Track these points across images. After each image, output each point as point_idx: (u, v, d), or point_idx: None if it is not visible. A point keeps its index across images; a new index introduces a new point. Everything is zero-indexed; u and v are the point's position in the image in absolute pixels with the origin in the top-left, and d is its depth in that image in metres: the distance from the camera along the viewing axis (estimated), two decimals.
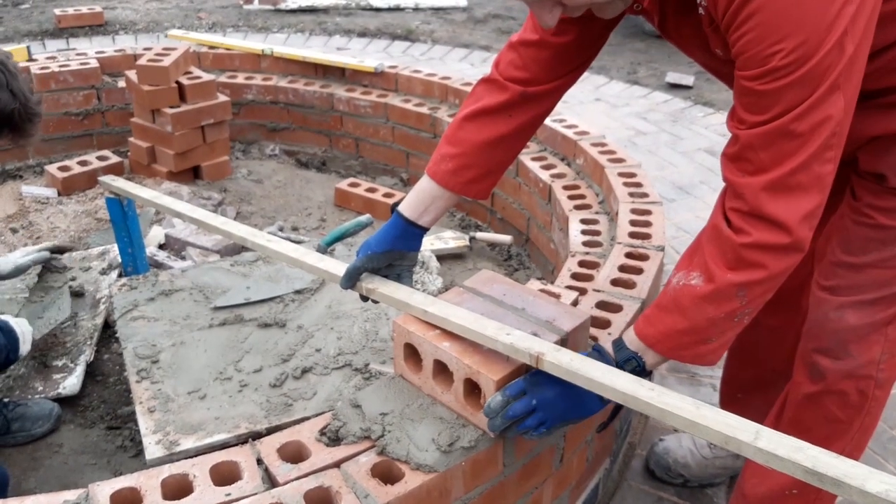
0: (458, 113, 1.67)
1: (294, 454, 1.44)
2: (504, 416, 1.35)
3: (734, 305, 1.29)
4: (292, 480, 1.35)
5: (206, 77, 3.63)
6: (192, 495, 1.32)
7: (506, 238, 3.19)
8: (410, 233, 1.66)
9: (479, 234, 3.24)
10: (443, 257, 3.12)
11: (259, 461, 1.41)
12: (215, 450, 1.56)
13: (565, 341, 1.51)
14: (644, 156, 4.20)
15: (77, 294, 2.62)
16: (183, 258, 3.03)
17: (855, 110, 1.24)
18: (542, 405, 1.36)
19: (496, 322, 1.47)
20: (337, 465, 1.39)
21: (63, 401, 2.23)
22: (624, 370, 1.36)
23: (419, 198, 1.65)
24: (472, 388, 1.44)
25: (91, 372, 2.36)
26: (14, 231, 3.16)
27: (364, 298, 1.70)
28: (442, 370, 1.49)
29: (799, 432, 1.59)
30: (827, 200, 1.28)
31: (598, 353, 1.42)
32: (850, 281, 1.53)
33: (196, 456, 1.48)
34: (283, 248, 1.94)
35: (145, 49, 3.95)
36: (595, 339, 1.74)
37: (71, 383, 2.25)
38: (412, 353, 1.54)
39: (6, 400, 2.12)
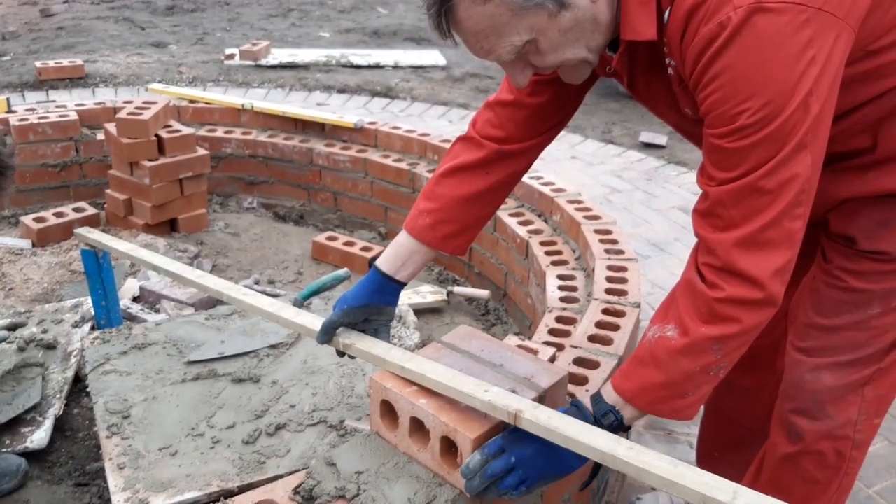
0: (437, 169, 1.69)
1: None
2: (483, 476, 1.34)
3: (710, 359, 1.31)
4: None
5: (186, 130, 3.65)
6: None
7: (483, 293, 3.20)
8: (388, 287, 1.66)
9: (456, 289, 3.24)
10: (420, 311, 3.12)
11: None
12: None
13: (543, 398, 1.51)
14: (619, 213, 4.26)
15: (48, 347, 2.57)
16: (157, 311, 3.00)
17: (823, 173, 1.26)
18: (522, 463, 1.35)
19: (474, 379, 1.47)
20: None
21: (30, 455, 2.17)
22: (602, 424, 1.37)
23: (397, 252, 1.66)
24: (449, 447, 1.43)
25: (60, 426, 2.31)
26: None
27: (340, 354, 1.69)
28: (418, 428, 1.48)
29: (777, 492, 1.59)
30: (798, 262, 1.30)
31: (576, 409, 1.42)
32: (825, 342, 1.54)
33: None
34: (259, 303, 1.94)
35: (125, 102, 3.97)
36: (573, 395, 1.74)
37: (39, 437, 2.20)
38: (389, 411, 1.53)
39: None
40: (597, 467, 1.53)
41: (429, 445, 1.45)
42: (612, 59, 1.37)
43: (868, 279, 1.47)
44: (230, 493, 1.73)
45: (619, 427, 1.40)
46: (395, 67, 7.29)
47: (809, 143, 1.19)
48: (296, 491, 1.44)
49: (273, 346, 2.31)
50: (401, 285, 1.68)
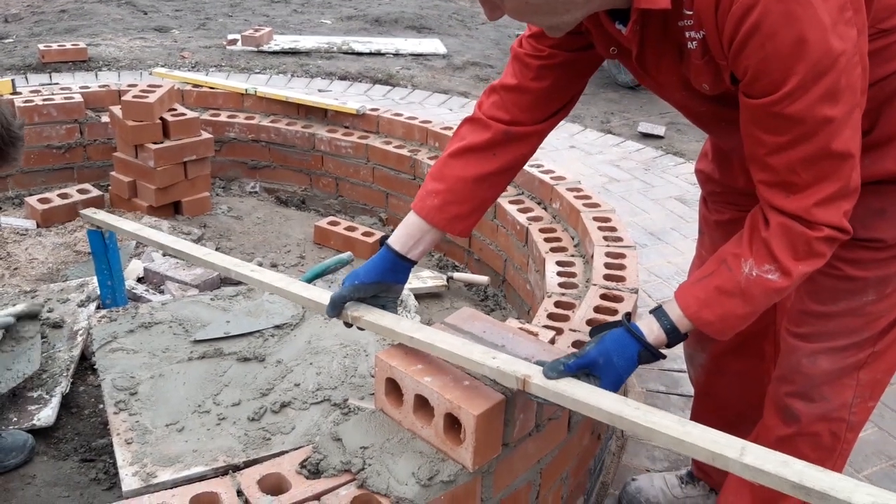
0: (444, 151, 1.71)
1: (274, 486, 1.45)
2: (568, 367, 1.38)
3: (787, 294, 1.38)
4: None
5: (190, 114, 3.68)
6: None
7: (483, 279, 3.24)
8: (399, 266, 1.68)
9: (456, 275, 3.28)
10: (420, 296, 3.16)
11: (239, 493, 1.42)
12: (192, 482, 1.57)
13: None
14: (617, 202, 4.30)
15: (55, 326, 2.61)
16: (161, 292, 3.04)
17: None
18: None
19: (482, 347, 1.51)
20: (317, 497, 1.41)
21: (37, 432, 2.22)
22: (670, 346, 1.43)
23: (408, 232, 1.67)
24: (452, 423, 1.47)
25: (66, 404, 2.35)
26: None
27: (348, 325, 1.71)
28: (423, 405, 1.52)
29: None
30: None
31: (652, 356, 1.43)
32: (822, 329, 1.58)
33: (173, 488, 1.49)
34: (268, 278, 1.97)
35: (129, 85, 3.99)
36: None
37: (46, 415, 2.24)
38: (393, 388, 1.57)
39: None
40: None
41: (433, 422, 1.49)
42: (620, 35, 1.38)
43: (863, 267, 1.51)
44: (236, 468, 1.76)
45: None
46: (396, 55, 7.31)
47: (861, 102, 1.24)
48: (302, 465, 1.48)
49: (278, 327, 2.35)
50: (412, 264, 1.69)
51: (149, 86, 3.73)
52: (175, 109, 3.71)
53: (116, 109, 3.61)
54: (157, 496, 1.40)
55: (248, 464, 1.79)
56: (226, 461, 1.82)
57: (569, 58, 1.56)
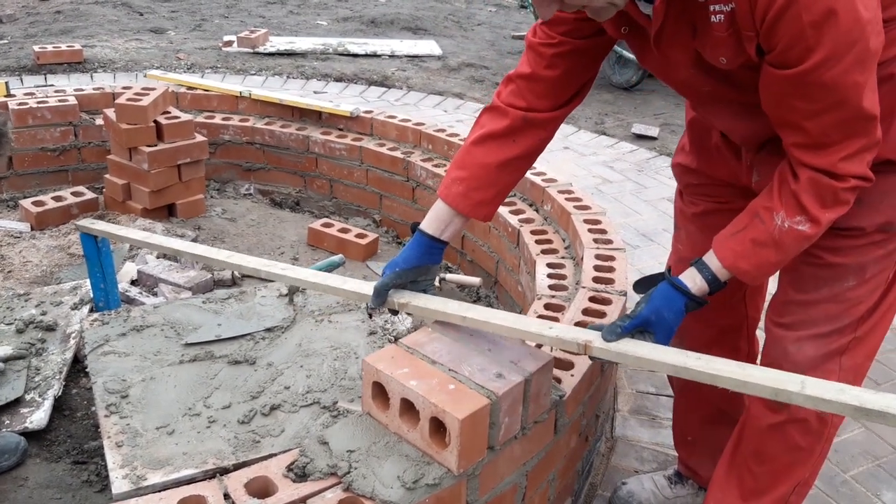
0: (466, 140, 1.77)
1: (261, 489, 1.47)
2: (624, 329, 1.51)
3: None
4: None
5: (185, 117, 3.69)
6: None
7: (475, 280, 3.26)
8: (434, 248, 1.75)
9: (448, 276, 3.30)
10: None
11: (226, 496, 1.43)
12: (182, 485, 1.58)
13: (529, 381, 1.57)
14: (610, 203, 4.32)
15: (48, 329, 2.62)
16: (155, 294, 3.05)
17: None
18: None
19: (538, 320, 1.62)
20: (303, 500, 1.42)
21: (30, 435, 2.23)
22: (711, 294, 1.54)
23: (438, 216, 1.74)
24: (438, 427, 1.49)
25: (59, 406, 2.36)
26: None
27: (394, 313, 1.79)
28: (408, 409, 1.53)
29: (762, 463, 1.68)
30: None
31: (696, 304, 1.53)
32: (804, 316, 1.64)
33: (163, 490, 1.51)
34: (303, 275, 2.02)
35: (124, 88, 4.00)
36: (558, 380, 1.80)
37: (38, 417, 2.25)
38: (380, 392, 1.58)
39: None
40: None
41: (418, 426, 1.51)
42: (640, 14, 1.44)
43: (843, 254, 1.57)
44: (225, 471, 1.78)
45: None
46: (392, 56, 7.32)
47: (875, 69, 1.31)
48: (289, 468, 1.50)
49: (269, 329, 2.37)
50: (444, 244, 1.76)
51: (143, 88, 3.75)
52: (169, 112, 3.72)
53: (110, 112, 3.62)
54: (144, 500, 1.42)
55: (238, 466, 1.80)
56: (215, 464, 1.83)
57: (579, 45, 1.63)
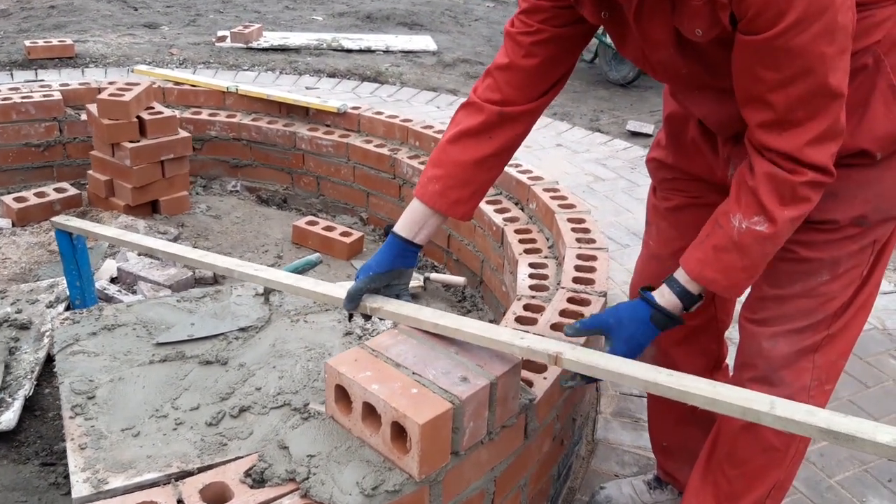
0: (442, 137, 1.75)
1: (217, 495, 1.43)
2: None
3: (784, 239, 1.45)
4: None
5: (168, 112, 3.65)
6: None
7: (459, 280, 3.22)
8: (407, 251, 1.73)
9: (433, 276, 3.26)
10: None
11: (180, 502, 1.40)
12: (144, 489, 1.55)
13: (495, 386, 1.53)
14: (601, 201, 4.27)
15: (22, 327, 2.59)
16: (134, 292, 3.01)
17: None
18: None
19: (509, 329, 1.58)
20: None
21: None
22: (690, 311, 1.54)
23: (412, 217, 1.72)
24: (400, 432, 1.45)
25: (30, 406, 2.33)
26: None
27: (366, 317, 1.78)
28: (371, 413, 1.49)
29: (735, 465, 1.65)
30: None
31: (665, 318, 1.52)
32: (778, 312, 1.62)
33: (124, 494, 1.47)
34: (276, 276, 1.99)
35: (109, 83, 3.96)
36: (530, 383, 1.76)
37: (7, 418, 2.21)
38: (342, 395, 1.54)
39: None
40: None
41: (380, 430, 1.47)
42: None
43: (817, 248, 1.55)
44: (189, 474, 1.74)
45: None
46: (387, 52, 7.27)
47: (848, 47, 1.29)
48: (247, 473, 1.46)
49: (242, 329, 2.33)
50: (418, 248, 1.74)
51: (127, 84, 3.70)
52: (153, 108, 3.67)
53: (93, 107, 3.57)
54: None
55: (202, 469, 1.76)
56: (179, 467, 1.79)
57: (558, 33, 1.61)
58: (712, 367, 2.00)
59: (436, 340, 1.63)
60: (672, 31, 1.43)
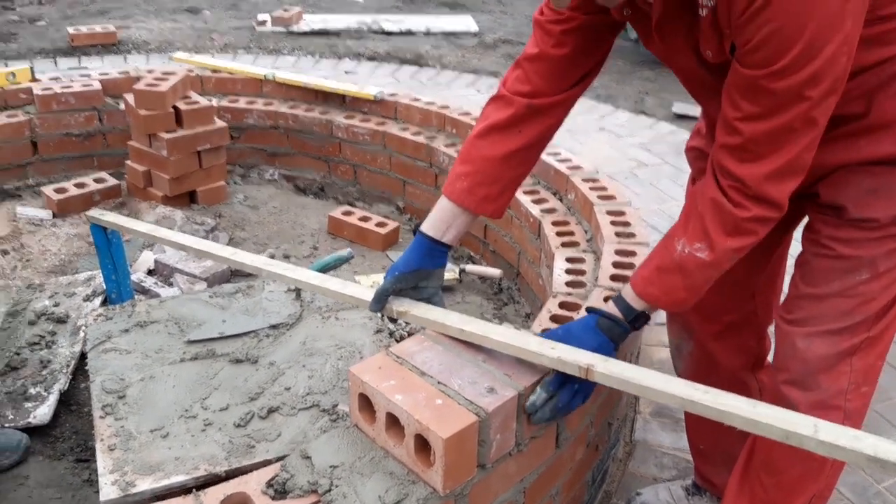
0: (471, 133, 1.70)
1: None
2: (555, 408, 1.47)
3: (727, 266, 1.46)
4: None
5: (204, 102, 3.64)
6: None
7: (495, 272, 3.15)
8: (435, 251, 1.68)
9: (469, 267, 3.20)
10: None
11: None
12: (172, 492, 1.53)
13: (523, 396, 1.48)
14: (645, 188, 4.16)
15: (59, 320, 2.61)
16: (170, 284, 3.02)
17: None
18: (584, 386, 1.48)
19: (538, 338, 1.53)
20: None
21: (34, 430, 2.22)
22: (636, 328, 1.54)
23: (440, 216, 1.68)
24: (423, 444, 1.40)
25: (65, 401, 2.35)
26: (5, 253, 3.17)
27: (393, 320, 1.74)
28: (395, 423, 1.45)
29: (771, 474, 1.58)
30: (767, 236, 1.44)
31: (612, 322, 1.52)
32: (815, 311, 1.55)
33: (152, 499, 1.46)
34: (304, 276, 1.96)
35: (148, 72, 3.96)
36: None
37: (42, 413, 2.23)
38: (367, 404, 1.51)
39: None
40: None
41: (404, 442, 1.43)
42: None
43: (856, 246, 1.50)
44: (217, 478, 1.73)
45: (644, 325, 1.56)
46: (427, 34, 7.19)
47: (838, 88, 1.28)
48: (269, 484, 1.43)
49: (274, 327, 2.30)
50: (447, 248, 1.70)
51: (163, 73, 3.70)
52: (189, 97, 3.67)
53: (130, 97, 3.58)
54: None
55: (230, 473, 1.74)
56: (207, 470, 1.77)
57: (588, 20, 1.56)
58: (753, 365, 1.93)
59: (463, 347, 1.58)
60: (694, 42, 1.41)
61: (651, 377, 1.37)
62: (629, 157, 4.61)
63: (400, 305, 1.66)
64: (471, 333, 1.56)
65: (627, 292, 1.53)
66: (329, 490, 1.40)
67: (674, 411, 2.52)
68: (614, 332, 1.51)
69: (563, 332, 1.53)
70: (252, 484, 1.44)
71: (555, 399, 1.46)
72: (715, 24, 1.32)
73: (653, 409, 2.53)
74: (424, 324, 1.63)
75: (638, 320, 1.52)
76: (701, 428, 1.99)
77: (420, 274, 1.68)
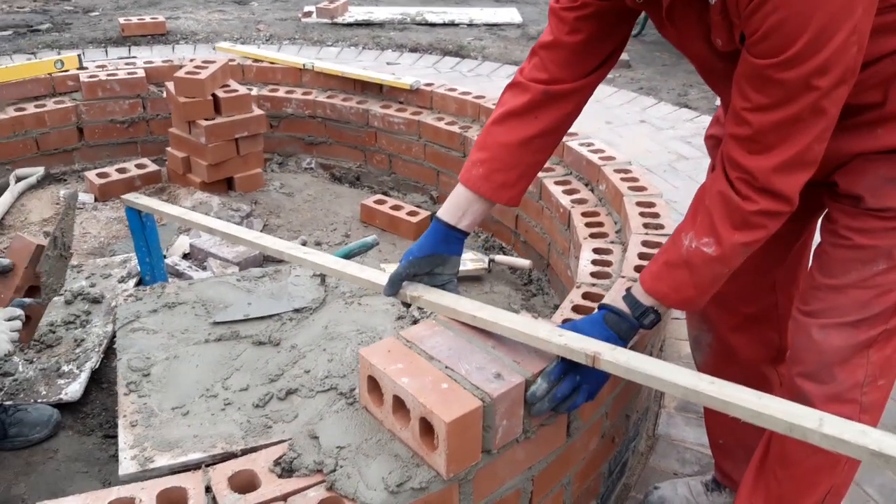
0: (488, 120, 1.70)
1: (245, 484, 1.42)
2: (553, 398, 1.45)
3: (737, 262, 1.43)
4: None
5: (242, 90, 3.69)
6: None
7: (525, 262, 3.14)
8: (451, 237, 1.68)
9: (498, 258, 3.19)
10: (460, 279, 3.08)
11: (208, 489, 1.40)
12: (188, 468, 1.56)
13: (531, 383, 1.47)
14: (683, 182, 4.09)
15: (94, 301, 2.68)
16: (204, 268, 3.08)
17: (834, 130, 1.32)
18: (587, 378, 1.47)
19: (548, 324, 1.53)
20: (284, 498, 1.37)
21: (66, 406, 2.28)
22: (643, 324, 1.50)
23: (456, 202, 1.68)
24: (428, 428, 1.41)
25: (97, 379, 2.41)
26: (46, 234, 3.26)
27: (407, 305, 1.75)
28: (401, 406, 1.46)
29: (784, 466, 1.55)
30: (787, 226, 1.43)
31: (617, 316, 1.50)
32: (831, 303, 1.52)
33: (170, 474, 1.49)
34: (323, 260, 1.98)
35: (190, 60, 4.03)
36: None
37: (73, 389, 2.30)
38: (375, 387, 1.51)
39: (7, 404, 2.18)
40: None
41: (409, 425, 1.43)
42: None
43: (874, 236, 1.47)
44: (232, 456, 1.75)
45: (655, 324, 1.51)
46: (470, 25, 7.17)
47: (848, 79, 1.25)
48: (276, 462, 1.45)
49: (297, 310, 2.33)
50: (463, 234, 1.69)
51: (203, 61, 3.76)
52: (228, 86, 3.72)
53: (171, 85, 3.65)
54: (126, 488, 1.40)
55: (246, 452, 1.77)
56: (224, 448, 1.81)
57: (602, 7, 1.54)
58: (773, 358, 1.89)
59: (473, 333, 1.58)
60: (705, 29, 1.39)
61: (656, 366, 1.35)
62: (669, 150, 4.54)
63: (414, 290, 1.67)
64: (482, 319, 1.55)
65: (636, 288, 1.51)
66: (334, 470, 1.40)
67: (698, 406, 2.48)
68: (621, 328, 1.49)
69: (571, 327, 1.51)
70: (260, 462, 1.46)
71: (555, 390, 1.45)
72: (724, 12, 1.30)
73: (678, 404, 2.49)
74: (437, 309, 1.63)
75: (646, 316, 1.50)
76: (720, 422, 1.96)
77: (434, 259, 1.67)
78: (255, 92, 4.13)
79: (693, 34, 1.43)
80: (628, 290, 1.54)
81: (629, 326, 1.49)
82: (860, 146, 1.44)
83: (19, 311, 1.93)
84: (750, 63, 1.28)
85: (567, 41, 1.57)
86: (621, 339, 1.49)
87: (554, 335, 1.46)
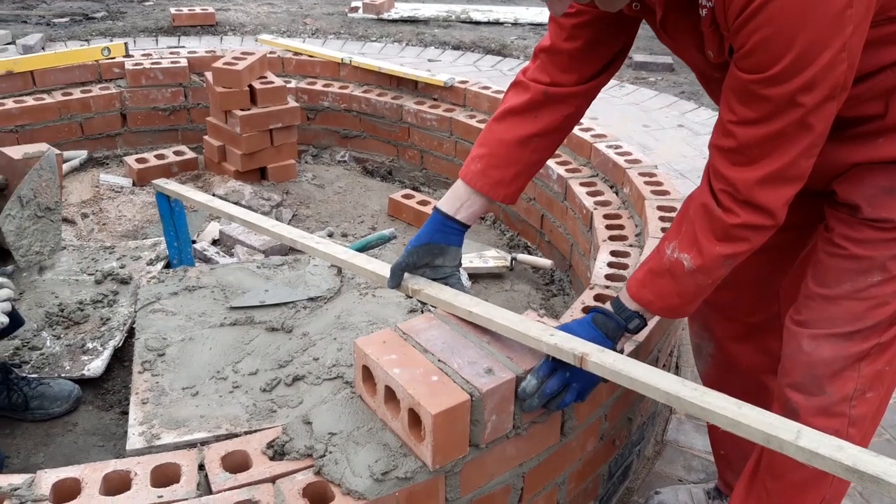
0: (491, 117, 1.71)
1: (239, 464, 1.46)
2: (542, 395, 1.46)
3: (720, 273, 1.43)
4: (225, 490, 1.38)
5: (278, 82, 3.75)
6: (127, 493, 1.37)
7: (546, 262, 3.14)
8: (448, 227, 1.69)
9: (520, 256, 3.20)
10: (481, 276, 3.10)
11: (201, 467, 1.44)
12: (192, 447, 1.61)
13: (522, 379, 1.48)
14: None
15: (123, 281, 2.76)
16: (232, 255, 3.15)
17: (833, 139, 1.32)
18: (577, 376, 1.47)
19: (540, 324, 1.54)
20: (272, 479, 1.41)
21: (88, 382, 2.36)
22: (629, 329, 1.51)
23: (454, 194, 1.70)
24: (417, 419, 1.43)
25: (121, 357, 2.48)
26: (84, 216, 3.37)
27: (409, 297, 1.77)
28: (393, 396, 1.48)
29: (774, 477, 1.54)
30: (792, 233, 1.45)
31: (604, 317, 1.52)
32: (824, 313, 1.50)
33: (174, 450, 1.53)
34: (332, 250, 2.02)
35: (231, 51, 4.12)
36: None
37: (95, 366, 2.37)
38: (369, 376, 1.54)
39: (31, 377, 2.26)
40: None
41: (399, 415, 1.46)
42: None
43: (870, 246, 1.44)
44: (235, 437, 1.80)
45: (640, 328, 1.52)
46: (515, 24, 7.16)
47: (837, 95, 1.24)
48: (269, 445, 1.48)
49: (312, 299, 2.38)
50: (462, 226, 1.70)
51: (242, 53, 3.84)
52: (265, 77, 3.79)
53: (210, 75, 3.73)
54: (123, 462, 1.45)
55: (249, 433, 1.81)
56: (228, 429, 1.86)
57: (598, 14, 1.54)
58: (775, 369, 1.85)
59: (470, 328, 1.60)
60: (699, 38, 1.38)
61: (641, 370, 1.35)
62: (705, 155, 4.43)
63: (415, 283, 1.69)
64: (477, 315, 1.57)
65: (623, 292, 1.53)
66: (323, 455, 1.43)
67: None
68: (608, 328, 1.50)
69: (563, 327, 1.52)
70: (254, 444, 1.50)
71: (544, 386, 1.46)
72: (714, 25, 1.30)
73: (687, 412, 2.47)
74: (435, 303, 1.65)
75: (631, 321, 1.50)
76: (722, 432, 1.93)
77: (432, 249, 1.68)
78: (293, 84, 4.20)
79: (687, 44, 1.42)
80: (616, 298, 1.55)
81: (616, 325, 1.50)
82: (860, 156, 1.42)
83: (3, 279, 1.97)
84: (737, 77, 1.27)
85: (565, 47, 1.57)
86: (608, 339, 1.49)
87: (545, 334, 1.47)
